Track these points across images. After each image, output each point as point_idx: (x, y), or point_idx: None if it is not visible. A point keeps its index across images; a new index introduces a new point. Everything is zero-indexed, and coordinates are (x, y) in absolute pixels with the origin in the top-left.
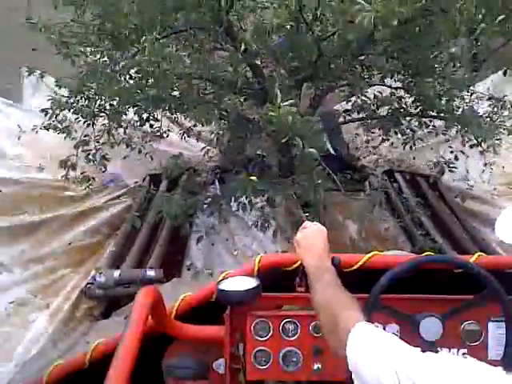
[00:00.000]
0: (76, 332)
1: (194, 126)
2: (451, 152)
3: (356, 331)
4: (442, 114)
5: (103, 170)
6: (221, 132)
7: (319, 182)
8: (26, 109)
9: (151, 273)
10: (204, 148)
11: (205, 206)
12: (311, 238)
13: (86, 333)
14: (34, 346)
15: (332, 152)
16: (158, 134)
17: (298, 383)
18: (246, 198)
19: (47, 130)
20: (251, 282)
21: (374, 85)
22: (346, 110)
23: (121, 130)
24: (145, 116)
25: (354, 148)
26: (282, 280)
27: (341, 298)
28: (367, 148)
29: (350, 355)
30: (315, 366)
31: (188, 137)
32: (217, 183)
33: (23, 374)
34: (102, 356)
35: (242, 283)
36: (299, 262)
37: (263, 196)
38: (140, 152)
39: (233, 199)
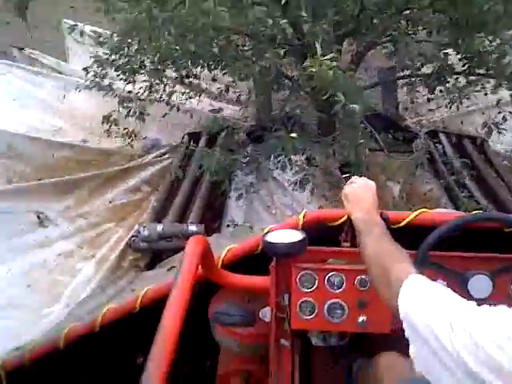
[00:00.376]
0: (122, 280)
1: (232, 82)
2: (499, 113)
3: (409, 282)
4: (491, 72)
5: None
6: (258, 89)
7: (362, 141)
8: (57, 76)
9: (193, 227)
10: (241, 108)
11: (243, 164)
12: (360, 193)
13: (131, 281)
14: (82, 290)
15: (380, 110)
16: (197, 90)
17: (341, 334)
18: (286, 156)
19: (90, 88)
20: (297, 235)
21: (420, 41)
22: (390, 68)
23: (161, 88)
24: (184, 73)
25: (403, 108)
26: (326, 235)
27: (392, 251)
28: (412, 108)
29: (401, 305)
30: (360, 319)
31: (227, 92)
32: (251, 144)
33: (74, 316)
34: (151, 301)
35: (289, 236)
36: (345, 218)
37: (303, 154)
38: (179, 110)
39: (272, 158)
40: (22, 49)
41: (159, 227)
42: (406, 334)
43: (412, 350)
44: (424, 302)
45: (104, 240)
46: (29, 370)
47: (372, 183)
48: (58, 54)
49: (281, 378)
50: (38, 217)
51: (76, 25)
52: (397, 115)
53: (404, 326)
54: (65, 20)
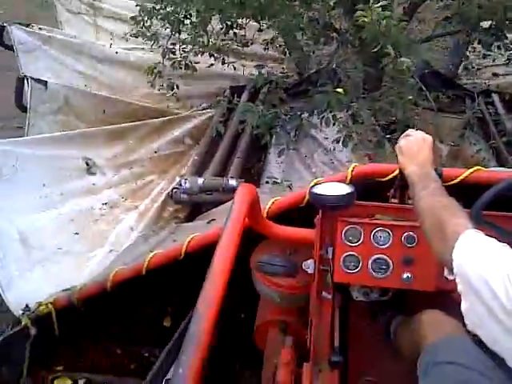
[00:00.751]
0: (164, 231)
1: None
2: None
3: (466, 236)
4: None
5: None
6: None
7: (410, 97)
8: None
9: (233, 182)
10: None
11: (285, 121)
12: (416, 146)
13: (172, 232)
14: (125, 236)
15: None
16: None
17: (383, 291)
18: (330, 112)
19: (136, 37)
20: (345, 188)
21: None
22: (446, 18)
23: (205, 39)
24: (229, 23)
25: (464, 68)
26: (374, 190)
27: (449, 206)
28: (466, 65)
29: (456, 258)
30: (405, 276)
31: (271, 44)
32: (291, 99)
33: (118, 263)
34: (195, 249)
35: (336, 189)
36: (395, 173)
37: (347, 111)
38: (223, 63)
39: (316, 113)
40: (28, 25)
41: (200, 180)
42: (459, 288)
43: (464, 304)
44: (480, 255)
45: (147, 191)
46: (77, 309)
47: (429, 137)
48: None
49: (320, 329)
50: (87, 163)
51: None
52: (453, 73)
53: (457, 280)
54: None
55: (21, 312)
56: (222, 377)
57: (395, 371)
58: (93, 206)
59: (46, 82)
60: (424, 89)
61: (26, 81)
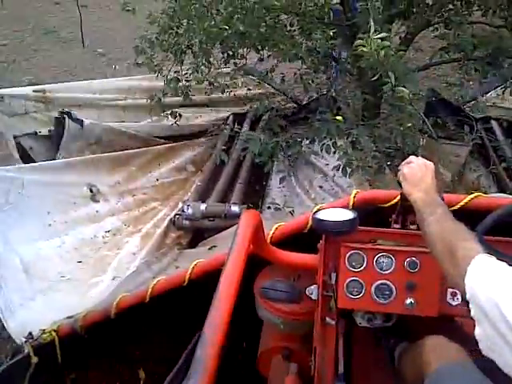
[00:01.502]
0: (167, 257)
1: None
2: None
3: (477, 261)
4: None
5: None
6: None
7: (409, 124)
8: None
9: (235, 208)
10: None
11: (286, 148)
12: (419, 173)
13: (175, 258)
14: (128, 262)
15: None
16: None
17: (387, 316)
18: (330, 139)
19: (139, 66)
20: (348, 214)
21: (474, 22)
22: (442, 48)
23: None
24: (230, 53)
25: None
26: (376, 216)
27: (457, 230)
28: (461, 92)
29: (469, 284)
30: (408, 301)
31: (271, 73)
32: (292, 127)
33: (121, 289)
34: (199, 275)
35: (339, 214)
36: (396, 199)
37: (347, 138)
38: (223, 92)
39: (317, 141)
40: None
41: (203, 206)
42: (472, 313)
43: (477, 330)
44: (491, 279)
45: (150, 218)
46: (80, 336)
47: (431, 164)
48: None
49: (324, 356)
50: (91, 190)
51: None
52: (459, 103)
53: (470, 305)
54: None
55: (23, 340)
56: None
57: None
58: (96, 233)
59: (83, 121)
60: (422, 115)
61: (63, 120)
